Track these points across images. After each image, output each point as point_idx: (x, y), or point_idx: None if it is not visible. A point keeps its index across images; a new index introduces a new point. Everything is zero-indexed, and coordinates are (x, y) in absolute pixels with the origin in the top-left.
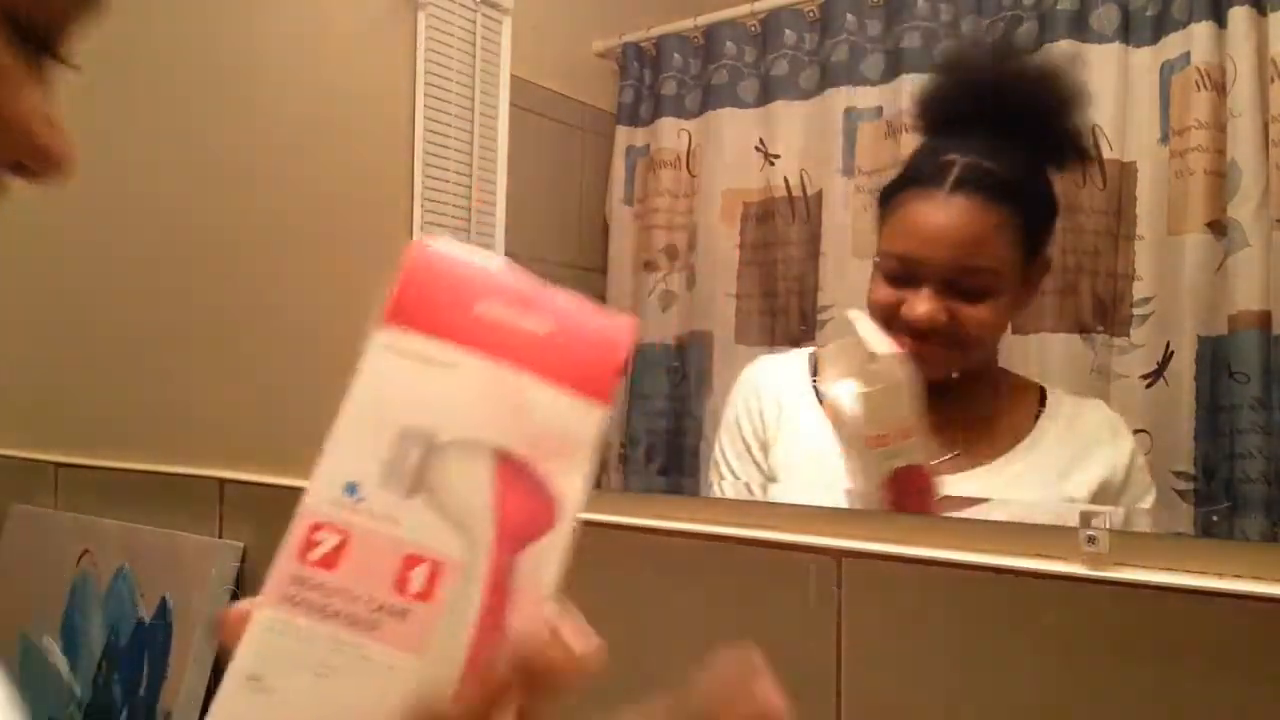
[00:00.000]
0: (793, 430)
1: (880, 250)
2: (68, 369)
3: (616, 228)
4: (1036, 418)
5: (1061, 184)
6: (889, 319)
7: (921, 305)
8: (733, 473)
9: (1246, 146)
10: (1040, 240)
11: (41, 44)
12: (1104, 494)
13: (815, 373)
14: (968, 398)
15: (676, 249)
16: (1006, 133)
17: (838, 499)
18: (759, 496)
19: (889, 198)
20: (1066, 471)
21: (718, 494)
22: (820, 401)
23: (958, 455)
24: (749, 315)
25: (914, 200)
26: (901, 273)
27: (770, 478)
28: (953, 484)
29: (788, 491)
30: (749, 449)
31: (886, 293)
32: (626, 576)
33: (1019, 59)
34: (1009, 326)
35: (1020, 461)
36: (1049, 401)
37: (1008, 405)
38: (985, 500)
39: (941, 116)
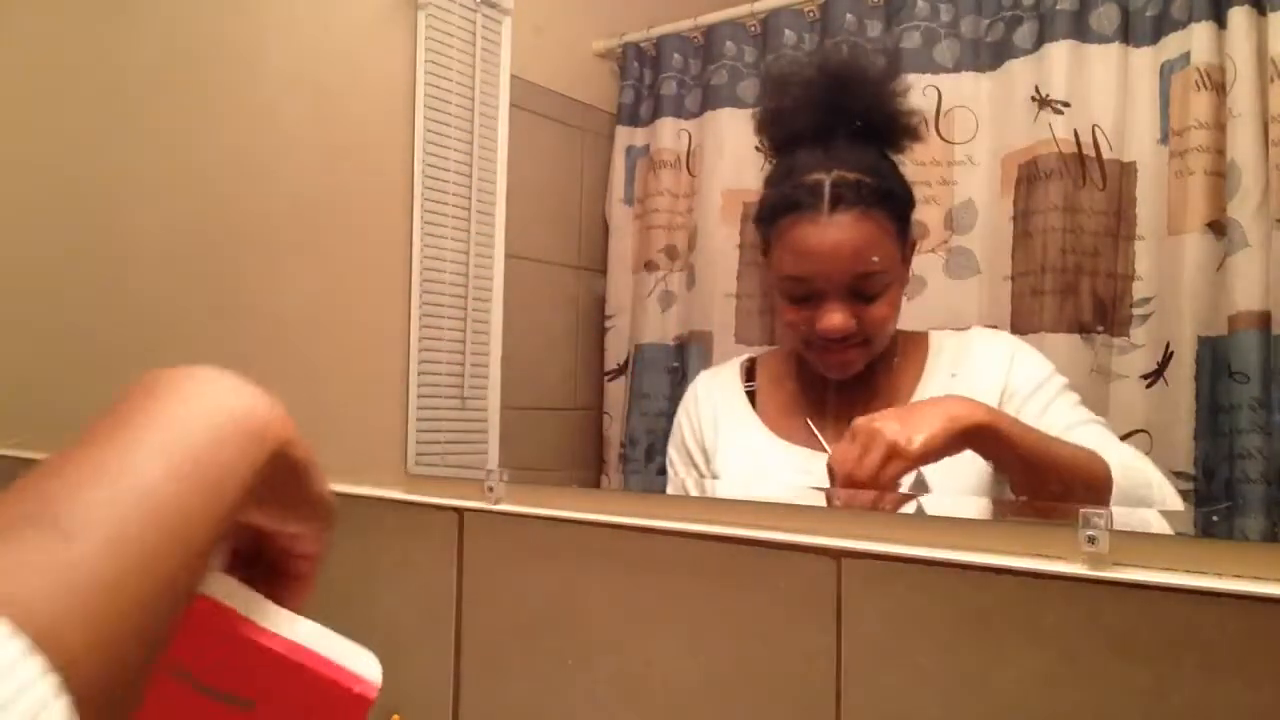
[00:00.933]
0: (729, 434)
1: (776, 275)
2: (67, 369)
3: (616, 228)
4: (925, 366)
5: (1059, 183)
6: (805, 336)
7: (834, 318)
8: (679, 475)
9: (1246, 146)
10: (908, 224)
11: None
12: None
13: (748, 378)
14: (869, 370)
15: (676, 249)
16: (844, 133)
17: (775, 493)
18: (695, 494)
19: (769, 225)
20: None
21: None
22: (753, 405)
23: None
24: (749, 315)
25: (798, 225)
26: (803, 292)
27: (712, 476)
28: None
29: (730, 488)
30: (691, 457)
31: (795, 314)
32: (627, 576)
33: (829, 61)
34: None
35: None
36: (931, 346)
37: (902, 363)
38: None
39: (782, 136)
